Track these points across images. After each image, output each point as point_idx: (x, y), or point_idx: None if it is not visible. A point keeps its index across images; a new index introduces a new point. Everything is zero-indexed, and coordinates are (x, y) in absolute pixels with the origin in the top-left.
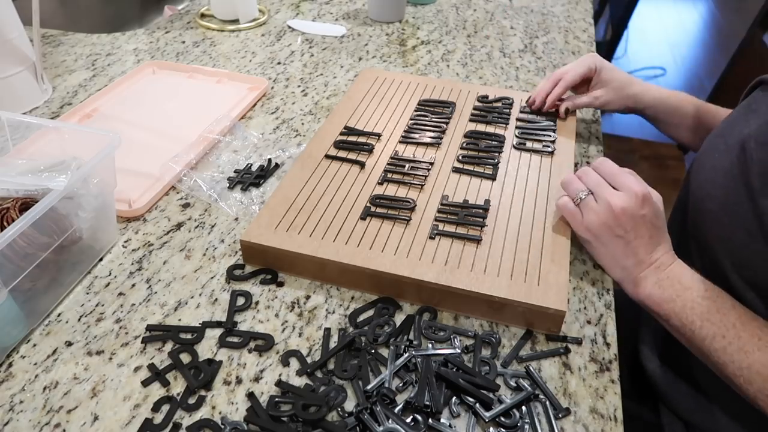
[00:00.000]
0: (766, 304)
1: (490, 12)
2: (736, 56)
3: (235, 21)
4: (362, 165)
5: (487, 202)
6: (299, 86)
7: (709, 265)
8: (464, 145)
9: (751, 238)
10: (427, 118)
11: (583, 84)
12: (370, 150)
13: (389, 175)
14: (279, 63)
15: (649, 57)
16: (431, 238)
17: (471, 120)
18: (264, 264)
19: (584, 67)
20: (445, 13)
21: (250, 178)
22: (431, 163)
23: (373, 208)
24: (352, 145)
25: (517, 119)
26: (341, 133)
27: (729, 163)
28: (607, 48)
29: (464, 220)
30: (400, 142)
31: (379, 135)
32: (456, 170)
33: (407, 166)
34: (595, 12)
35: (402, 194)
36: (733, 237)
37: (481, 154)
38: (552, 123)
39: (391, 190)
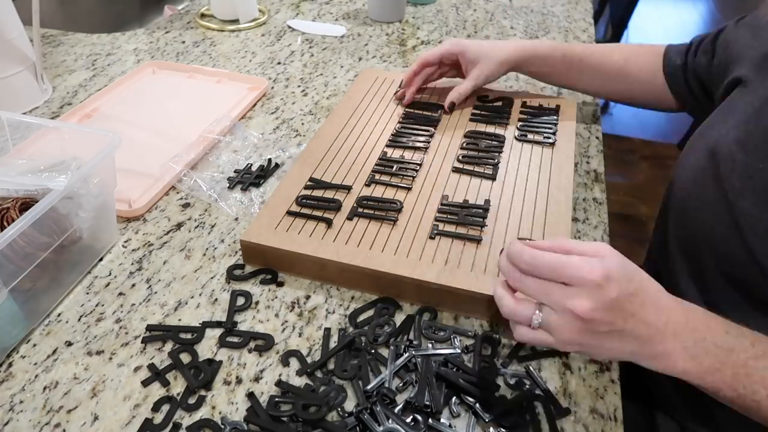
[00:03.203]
0: (747, 300)
1: (490, 12)
2: None
3: (235, 21)
4: (348, 188)
5: (487, 202)
6: (299, 86)
7: (691, 264)
8: (464, 144)
9: (730, 234)
10: (416, 121)
11: (460, 74)
12: (347, 189)
13: (377, 176)
14: (279, 63)
15: None
16: (431, 238)
17: (471, 120)
18: (264, 264)
19: (442, 48)
20: (445, 13)
21: (250, 178)
22: (419, 164)
23: (360, 209)
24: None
25: (520, 112)
26: (310, 179)
27: (706, 162)
28: None
29: (464, 220)
30: (387, 145)
31: (349, 188)
32: (456, 170)
33: (395, 167)
34: (595, 12)
35: (401, 196)
36: (714, 234)
37: (481, 154)
38: (554, 118)
39: (390, 191)
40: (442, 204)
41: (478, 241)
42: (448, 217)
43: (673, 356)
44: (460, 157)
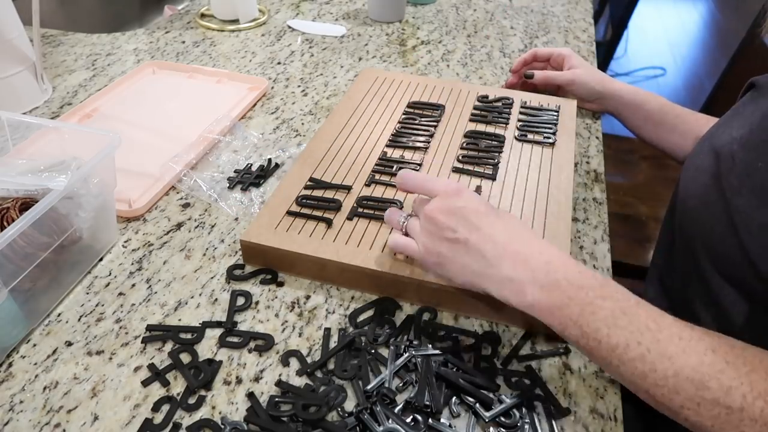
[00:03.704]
0: (745, 298)
1: (490, 12)
2: (736, 56)
3: (235, 21)
4: (349, 188)
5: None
6: (299, 86)
7: (693, 264)
8: (464, 145)
9: (726, 233)
10: (415, 121)
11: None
12: (347, 189)
13: (377, 176)
14: (279, 63)
15: (649, 57)
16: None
17: (471, 120)
18: (264, 264)
19: (554, 48)
20: (445, 13)
21: (250, 178)
22: (419, 164)
23: (360, 209)
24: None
25: (520, 112)
26: (310, 179)
27: (708, 163)
28: (607, 48)
29: None
30: (387, 145)
31: (349, 188)
32: (456, 170)
33: (395, 167)
34: (595, 12)
35: (401, 196)
36: (711, 233)
37: (481, 154)
38: (554, 117)
39: (390, 191)
40: None
41: None
42: None
43: (523, 285)
44: (460, 157)
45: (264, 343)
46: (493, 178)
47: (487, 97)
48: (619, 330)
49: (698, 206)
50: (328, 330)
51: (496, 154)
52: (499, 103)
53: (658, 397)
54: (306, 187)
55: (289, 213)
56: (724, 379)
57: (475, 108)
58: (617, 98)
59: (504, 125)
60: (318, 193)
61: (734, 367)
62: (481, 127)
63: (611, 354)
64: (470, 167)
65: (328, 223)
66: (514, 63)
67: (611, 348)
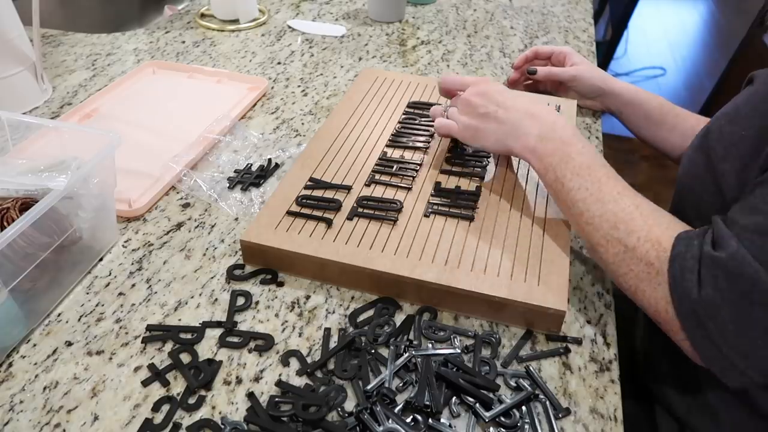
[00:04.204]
0: None
1: (490, 12)
2: (736, 56)
3: (235, 21)
4: (349, 189)
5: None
6: (299, 86)
7: None
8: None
9: (714, 201)
10: (415, 121)
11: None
12: (346, 189)
13: (377, 176)
14: (279, 63)
15: (649, 57)
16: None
17: None
18: (264, 264)
19: (555, 47)
20: (445, 13)
21: (250, 178)
22: (419, 164)
23: (360, 209)
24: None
25: None
26: (311, 179)
27: (700, 140)
28: (607, 48)
29: (456, 203)
30: (387, 145)
31: (349, 188)
32: (452, 172)
33: (395, 167)
34: (595, 12)
35: (401, 196)
36: (702, 204)
37: (481, 153)
38: None
39: (390, 191)
40: (435, 191)
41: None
42: (446, 209)
43: (530, 135)
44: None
45: (264, 343)
46: (481, 177)
47: None
48: (578, 177)
49: (691, 184)
50: (328, 330)
51: (485, 157)
52: None
53: (585, 233)
54: (306, 187)
55: (289, 213)
56: (630, 225)
57: None
58: (618, 96)
59: None
60: (318, 193)
61: (643, 218)
62: None
63: (567, 195)
64: (469, 168)
65: (328, 223)
66: (515, 60)
67: (567, 190)
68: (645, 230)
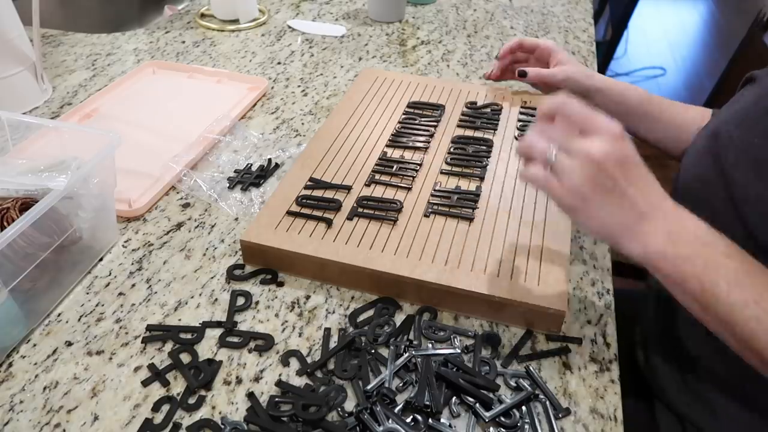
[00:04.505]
0: None
1: (490, 12)
2: (736, 56)
3: (235, 21)
4: (349, 189)
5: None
6: (299, 86)
7: None
8: (451, 149)
9: (725, 207)
10: (415, 121)
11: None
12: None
13: (377, 176)
14: (279, 63)
15: (649, 57)
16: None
17: (459, 126)
18: (264, 264)
19: (541, 41)
20: (445, 13)
21: (250, 178)
22: (419, 164)
23: (360, 209)
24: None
25: (520, 112)
26: (310, 179)
27: (707, 143)
28: (607, 48)
29: (457, 203)
30: (387, 145)
31: (349, 188)
32: (451, 173)
33: (395, 167)
34: (595, 12)
35: (401, 196)
36: (712, 210)
37: (482, 154)
38: None
39: (390, 191)
40: (435, 191)
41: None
42: (446, 209)
43: (655, 236)
44: (449, 159)
45: (264, 343)
46: (481, 177)
47: (475, 103)
48: (740, 289)
49: (699, 187)
50: (328, 330)
51: (496, 154)
52: (488, 110)
53: (766, 356)
54: (306, 187)
55: (289, 213)
56: None
57: (463, 114)
58: (601, 93)
59: (492, 131)
60: (318, 193)
61: None
62: (479, 133)
63: (728, 311)
64: (459, 169)
65: (328, 223)
66: (500, 51)
67: (729, 305)
68: None
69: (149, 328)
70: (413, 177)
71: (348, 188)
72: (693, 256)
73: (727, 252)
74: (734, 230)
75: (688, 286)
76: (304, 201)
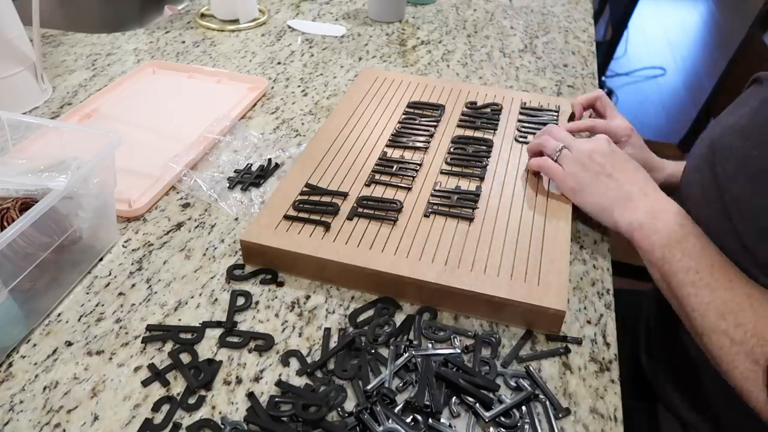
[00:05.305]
0: None
1: (490, 12)
2: (736, 56)
3: (235, 21)
4: (345, 195)
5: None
6: (299, 86)
7: None
8: (451, 149)
9: (720, 220)
10: (415, 121)
11: None
12: (343, 195)
13: (377, 176)
14: (279, 63)
15: (649, 57)
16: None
17: (459, 126)
18: (264, 264)
19: (593, 94)
20: (445, 13)
21: (250, 178)
22: (419, 164)
23: (360, 209)
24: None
25: (520, 112)
26: (307, 185)
27: (707, 150)
28: (607, 48)
29: (457, 203)
30: (387, 145)
31: (346, 194)
32: (451, 173)
33: (395, 167)
34: (595, 12)
35: (401, 196)
36: (708, 221)
37: (482, 154)
38: (554, 118)
39: (390, 191)
40: (435, 191)
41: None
42: (446, 209)
43: (637, 211)
44: (449, 159)
45: (264, 343)
46: (481, 177)
47: (475, 103)
48: (688, 259)
49: (695, 194)
50: (328, 330)
51: (496, 155)
52: (488, 110)
53: (690, 320)
54: (302, 193)
55: (287, 217)
56: (739, 317)
57: (463, 114)
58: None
59: (492, 131)
60: (315, 198)
61: (753, 309)
62: (469, 133)
63: (674, 275)
64: (470, 170)
65: (326, 227)
66: (575, 106)
67: (676, 270)
68: (752, 323)
69: (149, 328)
70: (413, 177)
71: (344, 195)
72: (662, 229)
73: (696, 233)
74: (731, 244)
75: (653, 254)
76: (302, 206)
